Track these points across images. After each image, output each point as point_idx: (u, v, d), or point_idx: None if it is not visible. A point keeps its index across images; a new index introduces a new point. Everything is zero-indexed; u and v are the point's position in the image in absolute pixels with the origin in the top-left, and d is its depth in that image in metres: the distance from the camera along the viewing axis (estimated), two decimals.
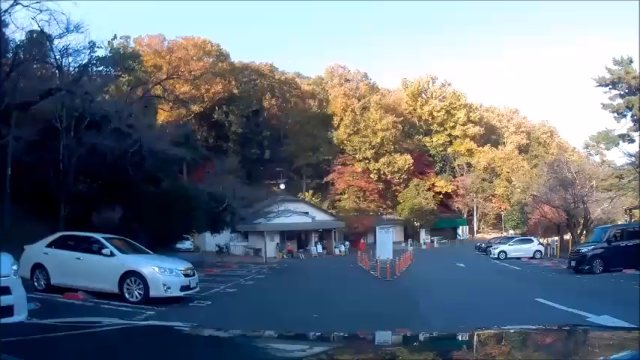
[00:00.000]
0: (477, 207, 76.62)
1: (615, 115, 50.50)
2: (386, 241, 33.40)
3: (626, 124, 51.26)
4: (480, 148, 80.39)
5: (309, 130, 75.37)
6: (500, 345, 2.68)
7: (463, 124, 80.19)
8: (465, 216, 76.87)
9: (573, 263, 23.60)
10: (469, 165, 79.33)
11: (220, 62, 73.37)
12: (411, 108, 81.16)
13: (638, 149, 49.94)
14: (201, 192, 27.06)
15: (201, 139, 65.45)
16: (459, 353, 2.62)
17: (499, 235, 63.92)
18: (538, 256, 38.25)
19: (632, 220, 49.30)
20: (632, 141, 50.48)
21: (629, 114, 50.62)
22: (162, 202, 25.67)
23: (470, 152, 79.90)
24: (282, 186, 61.82)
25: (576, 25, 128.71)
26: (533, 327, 3.08)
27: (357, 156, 71.30)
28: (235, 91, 73.71)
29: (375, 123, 71.21)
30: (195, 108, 67.95)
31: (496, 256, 38.71)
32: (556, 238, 48.96)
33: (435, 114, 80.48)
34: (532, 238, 42.85)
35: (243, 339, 2.80)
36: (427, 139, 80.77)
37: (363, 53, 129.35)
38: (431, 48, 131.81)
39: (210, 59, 72.74)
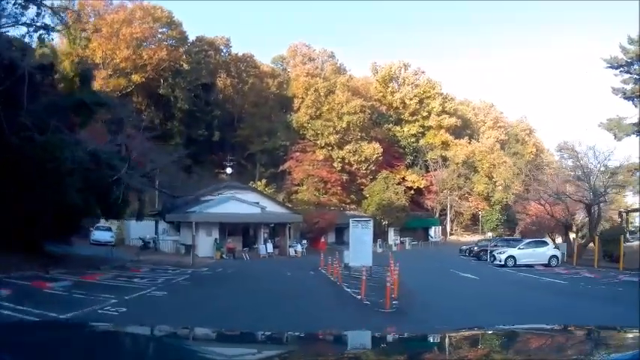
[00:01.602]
0: (451, 205, 67.82)
1: (635, 99, 43.15)
2: (363, 240, 23.14)
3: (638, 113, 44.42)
4: (457, 140, 72.08)
5: (266, 112, 65.44)
6: (498, 345, 2.54)
7: (438, 115, 71.72)
8: (438, 215, 68.02)
9: None
10: (444, 159, 70.58)
11: (171, 30, 62.68)
12: (381, 95, 71.82)
13: None
14: (75, 147, 16.63)
15: (146, 120, 55.77)
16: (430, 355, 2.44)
17: (480, 237, 55.72)
18: (554, 262, 30.76)
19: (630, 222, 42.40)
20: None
21: None
22: (35, 166, 15.74)
23: (445, 145, 71.39)
24: (229, 170, 51.04)
25: (557, 25, 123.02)
26: (534, 327, 3.02)
27: (318, 142, 61.30)
28: (185, 64, 62.98)
29: (340, 106, 61.50)
30: (137, 78, 57.69)
31: (502, 262, 30.78)
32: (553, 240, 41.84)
33: (407, 102, 71.58)
34: (545, 240, 35.50)
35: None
36: (397, 128, 71.61)
37: (331, 40, 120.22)
38: (404, 40, 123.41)
39: (161, 28, 62.20)
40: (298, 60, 72.12)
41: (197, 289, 17.28)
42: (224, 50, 70.67)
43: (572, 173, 40.23)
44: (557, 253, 32.30)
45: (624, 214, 54.46)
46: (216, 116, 63.34)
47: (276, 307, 12.71)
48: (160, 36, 62.09)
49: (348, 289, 15.97)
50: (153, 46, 59.85)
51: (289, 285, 19.28)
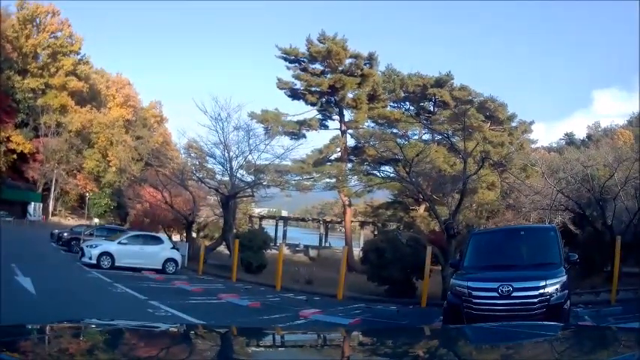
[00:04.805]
0: (56, 180, 63.04)
1: (308, 94, 44.87)
2: None
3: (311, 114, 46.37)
4: (78, 107, 67.44)
5: None
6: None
7: (66, 75, 66.02)
8: (41, 190, 62.48)
9: None
10: (59, 125, 64.70)
11: None
12: (15, 36, 61.99)
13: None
14: None
15: None
16: None
17: (84, 222, 52.07)
18: (171, 268, 24.75)
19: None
20: (297, 135, 44.98)
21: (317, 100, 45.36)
22: None
23: (63, 109, 65.77)
24: None
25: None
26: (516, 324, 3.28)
27: None
28: None
29: None
30: None
31: (94, 261, 22.88)
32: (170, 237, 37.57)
33: (39, 51, 63.88)
34: (159, 236, 28.93)
35: None
36: (19, 79, 62.77)
37: None
38: None
39: None
40: None
41: None
42: None
43: (196, 175, 36.37)
44: (176, 255, 25.83)
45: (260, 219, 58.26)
46: None
47: None
48: None
49: None
50: None
51: None
